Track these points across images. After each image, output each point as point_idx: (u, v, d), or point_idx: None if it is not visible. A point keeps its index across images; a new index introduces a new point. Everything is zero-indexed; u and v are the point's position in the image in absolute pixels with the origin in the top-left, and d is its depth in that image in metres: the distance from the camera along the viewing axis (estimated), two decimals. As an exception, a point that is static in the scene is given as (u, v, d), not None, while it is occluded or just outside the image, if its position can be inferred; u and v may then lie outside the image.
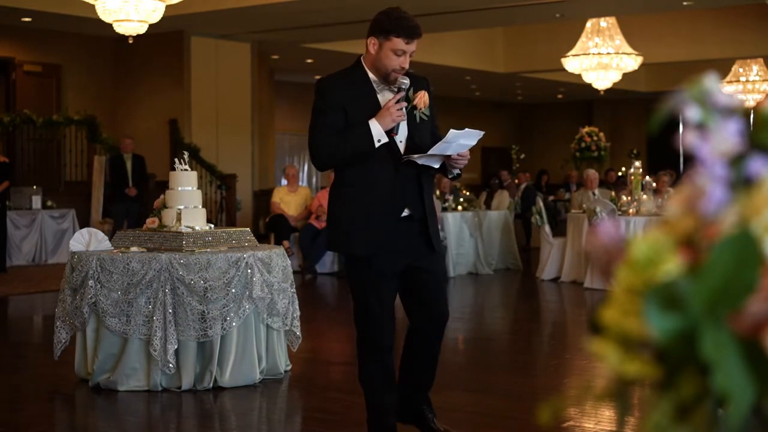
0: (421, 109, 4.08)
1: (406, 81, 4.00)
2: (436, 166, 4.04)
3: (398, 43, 3.94)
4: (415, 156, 3.96)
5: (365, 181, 3.99)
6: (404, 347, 4.28)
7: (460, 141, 3.92)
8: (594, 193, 12.68)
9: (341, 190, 4.07)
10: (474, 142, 3.99)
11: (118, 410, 5.34)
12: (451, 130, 3.86)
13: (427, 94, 4.10)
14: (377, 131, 3.91)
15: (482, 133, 4.00)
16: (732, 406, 0.90)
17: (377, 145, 3.92)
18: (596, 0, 14.29)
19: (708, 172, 0.98)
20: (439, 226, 12.02)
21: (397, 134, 3.98)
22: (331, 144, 3.95)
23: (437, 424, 4.31)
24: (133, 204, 13.71)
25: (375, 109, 3.97)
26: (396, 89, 4.00)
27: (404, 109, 3.98)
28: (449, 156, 3.98)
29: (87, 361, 5.79)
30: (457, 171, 4.08)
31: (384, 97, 4.03)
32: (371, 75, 4.05)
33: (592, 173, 13.40)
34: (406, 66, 3.99)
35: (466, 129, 3.91)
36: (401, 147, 4.02)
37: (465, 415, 5.04)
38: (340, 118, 3.97)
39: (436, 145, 3.92)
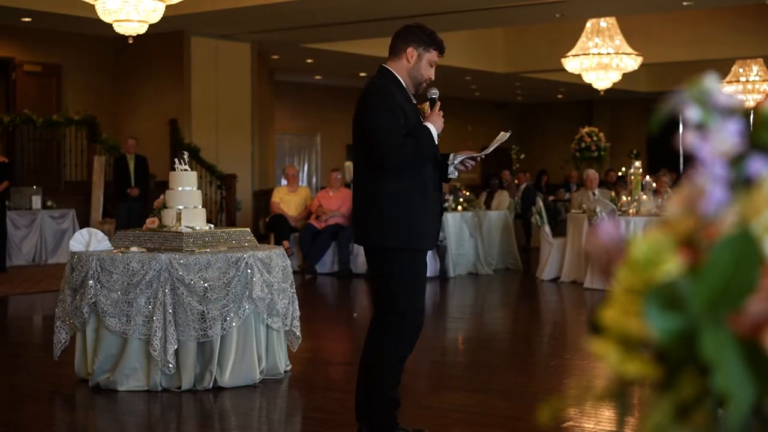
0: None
1: (436, 90, 4.39)
2: (467, 168, 4.47)
3: (434, 55, 4.33)
4: (481, 154, 4.41)
5: (421, 180, 4.23)
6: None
7: (492, 145, 4.40)
8: (594, 193, 12.68)
9: (399, 187, 4.20)
10: (496, 146, 4.43)
11: (118, 410, 5.34)
12: (502, 132, 4.39)
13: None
14: (435, 134, 4.24)
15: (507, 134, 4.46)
16: (732, 406, 0.90)
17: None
18: (596, 0, 14.29)
19: (708, 172, 0.98)
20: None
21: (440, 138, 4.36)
22: (408, 144, 4.16)
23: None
24: (136, 204, 13.72)
25: (417, 114, 4.30)
26: (429, 98, 4.37)
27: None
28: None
29: (87, 361, 5.79)
30: (456, 173, 4.42)
31: (414, 103, 4.38)
32: (404, 83, 4.32)
33: (592, 173, 13.40)
34: (433, 77, 4.36)
35: (501, 132, 4.42)
36: None
37: (465, 415, 5.04)
38: (402, 122, 4.19)
39: (493, 144, 4.39)
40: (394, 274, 4.24)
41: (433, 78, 4.32)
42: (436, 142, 4.23)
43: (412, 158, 4.18)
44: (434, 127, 4.22)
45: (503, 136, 4.42)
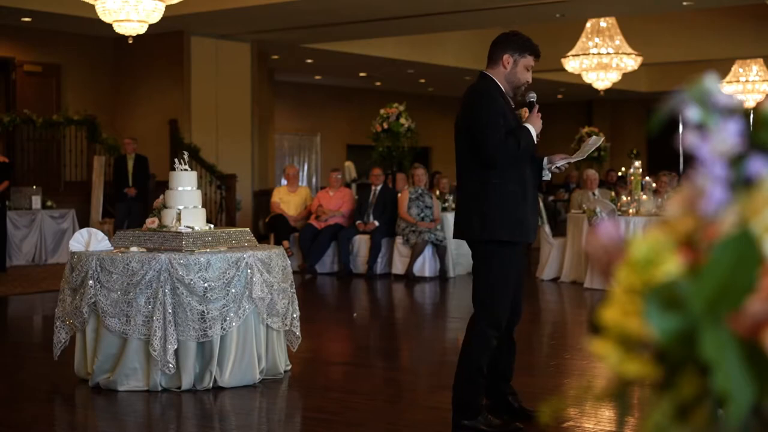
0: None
1: (534, 94, 4.71)
2: (562, 169, 4.80)
3: (530, 60, 4.64)
4: (574, 156, 4.73)
5: (521, 179, 4.56)
6: None
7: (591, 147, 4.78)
8: (594, 194, 12.67)
9: (504, 184, 4.52)
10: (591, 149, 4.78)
11: (118, 410, 5.34)
12: (593, 137, 4.81)
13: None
14: (534, 134, 4.57)
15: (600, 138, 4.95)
16: (732, 406, 0.90)
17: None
18: (596, 0, 14.29)
19: (708, 172, 0.98)
20: (439, 226, 12.03)
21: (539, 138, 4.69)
22: (510, 145, 4.47)
23: (523, 406, 4.84)
24: (135, 204, 13.72)
25: (515, 116, 4.64)
26: (528, 101, 4.70)
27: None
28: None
29: (87, 361, 5.79)
30: (549, 174, 4.76)
31: (511, 106, 4.71)
32: (502, 88, 4.65)
33: (592, 173, 13.39)
34: (530, 81, 4.69)
35: (594, 136, 4.79)
36: None
37: (465, 415, 5.03)
38: (502, 121, 4.52)
39: (584, 147, 4.74)
40: (495, 266, 4.57)
41: (530, 81, 4.65)
42: (535, 143, 4.56)
43: (513, 157, 4.49)
44: (533, 128, 4.54)
45: (596, 140, 4.73)
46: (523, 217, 4.55)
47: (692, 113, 1.00)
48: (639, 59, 16.53)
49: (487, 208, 4.52)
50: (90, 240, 6.02)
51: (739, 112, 1.00)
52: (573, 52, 16.54)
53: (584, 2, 14.21)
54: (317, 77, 22.20)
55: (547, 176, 4.74)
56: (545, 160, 4.73)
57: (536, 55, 4.64)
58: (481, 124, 4.48)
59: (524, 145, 4.49)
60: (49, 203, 14.10)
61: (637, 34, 17.76)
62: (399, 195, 12.58)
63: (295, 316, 6.03)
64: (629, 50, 16.40)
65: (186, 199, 6.16)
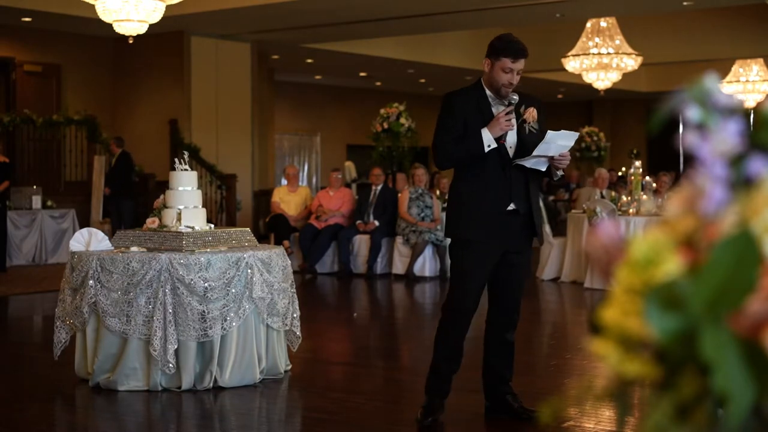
0: (530, 122, 4.73)
1: (516, 97, 4.72)
2: (543, 168, 4.69)
3: (506, 62, 4.67)
4: (522, 159, 4.64)
5: (480, 179, 4.68)
6: (483, 339, 4.95)
7: (559, 142, 4.58)
8: (602, 193, 12.64)
9: (461, 185, 4.77)
10: (572, 143, 4.65)
11: (118, 410, 5.34)
12: (549, 131, 4.58)
13: (535, 110, 4.75)
14: (487, 138, 4.62)
15: (577, 134, 4.72)
16: (732, 406, 0.90)
17: (487, 149, 4.63)
18: (596, 0, 14.29)
19: (708, 172, 0.98)
20: (439, 226, 12.03)
21: (505, 141, 4.67)
22: (449, 148, 4.68)
23: (523, 407, 4.85)
24: (121, 202, 13.75)
25: (489, 119, 4.68)
26: (506, 103, 4.70)
27: (514, 121, 4.66)
28: (552, 157, 4.62)
29: (87, 361, 5.79)
30: (560, 172, 4.72)
31: (497, 110, 4.73)
32: (488, 91, 4.77)
33: (604, 172, 13.35)
34: (514, 82, 4.69)
35: (562, 130, 4.61)
36: (510, 152, 4.72)
37: (465, 415, 5.04)
38: (460, 126, 4.67)
39: (538, 146, 4.59)
40: (453, 261, 4.82)
41: (510, 83, 4.67)
42: (489, 146, 4.60)
43: (452, 159, 4.71)
44: (488, 132, 4.60)
45: (557, 135, 4.64)
46: (478, 217, 4.66)
47: (692, 113, 1.00)
48: (639, 59, 16.53)
49: (449, 207, 4.84)
50: (90, 240, 6.02)
51: (739, 112, 1.00)
52: (573, 52, 16.54)
53: (584, 2, 14.21)
54: (317, 77, 22.20)
55: (555, 176, 4.75)
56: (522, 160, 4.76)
57: (512, 56, 4.67)
58: (436, 124, 4.75)
59: (468, 149, 4.61)
60: (49, 203, 14.10)
61: (637, 34, 17.76)
62: (399, 195, 12.58)
63: (295, 316, 6.03)
64: (629, 50, 16.41)
65: (186, 199, 6.16)
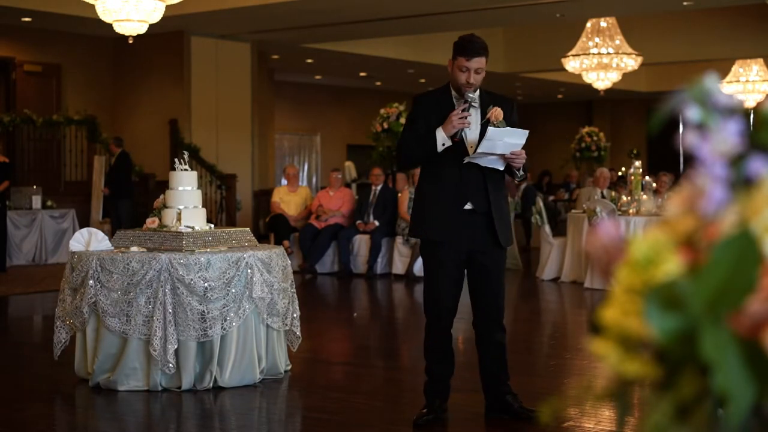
0: (494, 122, 4.67)
1: (472, 95, 4.72)
2: (500, 167, 4.68)
3: (461, 61, 4.69)
4: (473, 157, 4.61)
5: (437, 178, 4.73)
6: (475, 343, 4.92)
7: (506, 139, 4.57)
8: (603, 193, 12.64)
9: (421, 185, 4.83)
10: (521, 141, 4.63)
11: (118, 410, 5.34)
12: (490, 128, 4.56)
13: (499, 110, 4.70)
14: (441, 137, 4.62)
15: (526, 132, 4.67)
16: (732, 406, 0.90)
17: (440, 148, 4.63)
18: (596, 0, 14.29)
19: (708, 172, 0.98)
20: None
21: (458, 139, 4.65)
22: (408, 147, 4.76)
23: (523, 407, 4.82)
24: (120, 202, 13.73)
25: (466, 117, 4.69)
26: (464, 101, 4.70)
27: (472, 119, 4.67)
28: (505, 156, 4.62)
29: (87, 361, 5.79)
30: (521, 172, 4.73)
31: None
32: (453, 92, 4.80)
33: (605, 171, 13.34)
34: (472, 81, 4.68)
35: (508, 127, 4.61)
36: (471, 152, 4.67)
37: (465, 415, 5.04)
38: (423, 127, 4.71)
39: (481, 143, 4.57)
40: (423, 263, 4.89)
41: (468, 82, 4.67)
42: (443, 144, 4.60)
43: (414, 158, 4.81)
44: (443, 129, 4.61)
45: (514, 131, 4.64)
46: (434, 217, 4.70)
47: (692, 113, 1.00)
48: (639, 59, 16.53)
49: (413, 207, 4.92)
50: (90, 240, 6.02)
51: (739, 112, 1.00)
52: (573, 52, 16.54)
53: (584, 2, 14.21)
54: (317, 77, 22.20)
55: (516, 175, 4.74)
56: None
57: (466, 55, 4.66)
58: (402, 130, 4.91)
59: (426, 147, 4.64)
60: (49, 203, 14.10)
61: (637, 34, 17.76)
62: (399, 195, 12.58)
63: (295, 315, 6.03)
64: (629, 50, 16.41)
65: (186, 199, 6.16)
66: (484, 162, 4.63)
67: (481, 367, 4.93)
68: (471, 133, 4.69)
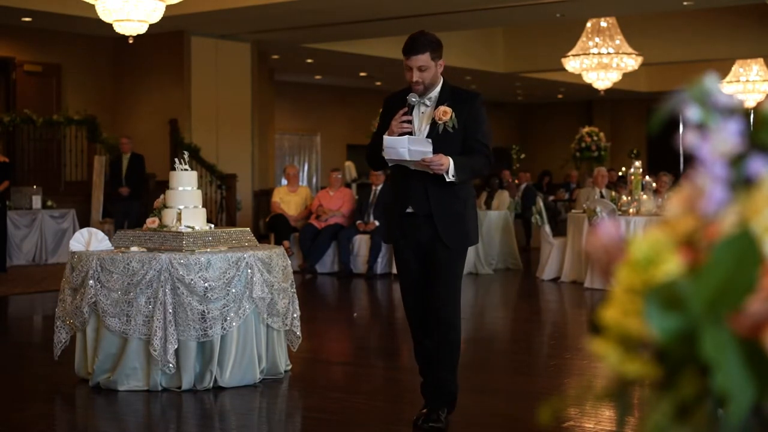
0: (442, 122, 4.55)
1: (415, 98, 4.60)
2: (431, 171, 4.52)
3: (404, 60, 4.58)
4: (385, 156, 4.55)
5: (392, 181, 4.82)
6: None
7: (411, 147, 4.46)
8: (602, 192, 12.64)
9: (388, 188, 4.75)
10: (427, 149, 4.44)
11: (118, 410, 5.34)
12: (385, 137, 4.52)
13: (445, 109, 4.55)
14: (387, 142, 4.52)
15: (429, 141, 4.46)
16: (732, 406, 0.90)
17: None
18: (596, 0, 14.29)
19: (708, 172, 0.98)
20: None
21: None
22: (368, 151, 4.79)
23: (433, 426, 4.66)
24: (133, 203, 13.69)
25: (410, 122, 4.60)
26: (407, 104, 4.61)
27: (417, 122, 4.59)
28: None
29: (87, 361, 5.79)
30: (452, 176, 4.50)
31: (419, 110, 4.65)
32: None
33: (603, 171, 13.35)
34: (416, 79, 4.54)
35: (409, 137, 4.49)
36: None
37: (465, 415, 5.04)
38: (383, 129, 4.68)
39: (384, 149, 4.51)
40: None
41: (412, 80, 4.54)
42: (391, 148, 4.48)
43: (371, 162, 4.83)
44: (387, 135, 4.54)
45: (415, 139, 4.49)
46: (392, 219, 4.74)
47: (692, 113, 1.00)
48: (639, 59, 16.53)
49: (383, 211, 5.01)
50: (90, 240, 6.02)
51: (739, 112, 1.00)
52: (573, 52, 16.54)
53: (584, 2, 14.21)
54: (317, 77, 22.20)
55: (447, 177, 4.51)
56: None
57: (405, 54, 4.55)
58: None
59: (375, 153, 4.61)
60: (49, 203, 14.10)
61: (638, 34, 17.76)
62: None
63: (295, 315, 6.03)
64: (629, 50, 16.41)
65: (186, 199, 6.16)
66: (411, 165, 4.52)
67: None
68: (420, 135, 4.57)
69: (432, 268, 4.63)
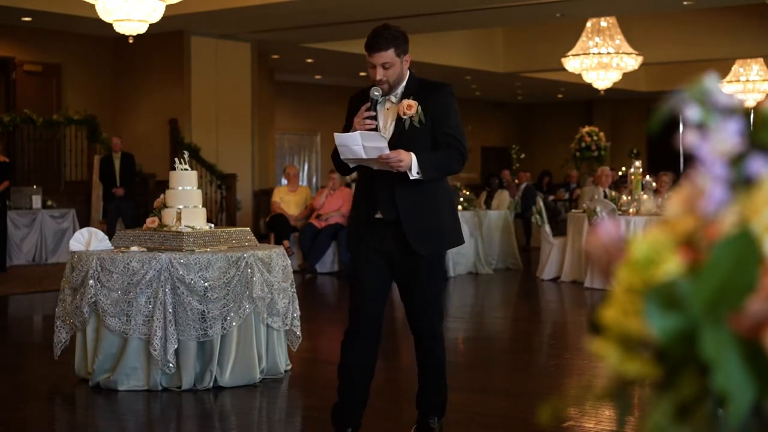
0: (407, 117, 4.20)
1: (378, 93, 4.21)
2: (393, 170, 4.13)
3: (368, 58, 4.22)
4: (343, 158, 4.17)
5: (358, 185, 4.40)
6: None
7: (365, 144, 4.07)
8: (605, 191, 12.63)
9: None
10: (381, 144, 4.07)
11: (118, 410, 5.34)
12: (335, 134, 4.11)
13: (409, 102, 4.20)
14: (338, 140, 4.14)
15: (381, 136, 4.10)
16: (732, 406, 0.90)
17: None
18: (596, 0, 14.29)
19: (708, 171, 0.98)
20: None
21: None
22: (333, 154, 4.28)
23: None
24: (125, 203, 13.68)
25: (375, 118, 4.22)
26: (369, 101, 4.23)
27: (390, 118, 4.23)
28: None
29: (87, 361, 5.79)
30: (416, 173, 4.12)
31: (384, 107, 4.29)
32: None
33: (606, 170, 13.35)
34: (379, 77, 4.18)
35: (360, 131, 4.09)
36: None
37: (465, 415, 5.04)
38: (347, 128, 4.28)
39: (340, 150, 4.13)
40: None
41: (376, 78, 4.18)
42: (344, 147, 4.11)
43: (336, 165, 4.35)
44: (346, 133, 4.16)
45: (368, 134, 4.13)
46: (357, 225, 4.32)
47: (692, 113, 1.00)
48: (639, 59, 16.53)
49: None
50: (90, 239, 6.03)
51: (739, 111, 1.00)
52: (573, 51, 16.54)
53: (584, 2, 14.21)
54: (317, 77, 22.19)
55: (411, 175, 4.14)
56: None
57: (367, 51, 4.20)
58: None
59: (339, 153, 4.16)
60: (49, 203, 14.10)
61: (638, 34, 17.77)
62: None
63: (295, 315, 6.03)
64: (629, 50, 16.41)
65: (186, 199, 6.16)
66: (375, 165, 4.15)
67: (418, 382, 4.54)
68: (386, 133, 4.21)
69: (405, 279, 4.30)
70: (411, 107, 4.19)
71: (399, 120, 4.21)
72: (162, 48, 15.46)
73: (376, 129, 4.15)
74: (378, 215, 4.22)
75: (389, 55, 4.16)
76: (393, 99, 4.26)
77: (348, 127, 4.22)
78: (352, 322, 4.44)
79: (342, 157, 4.13)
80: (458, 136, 4.24)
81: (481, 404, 5.31)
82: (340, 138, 4.08)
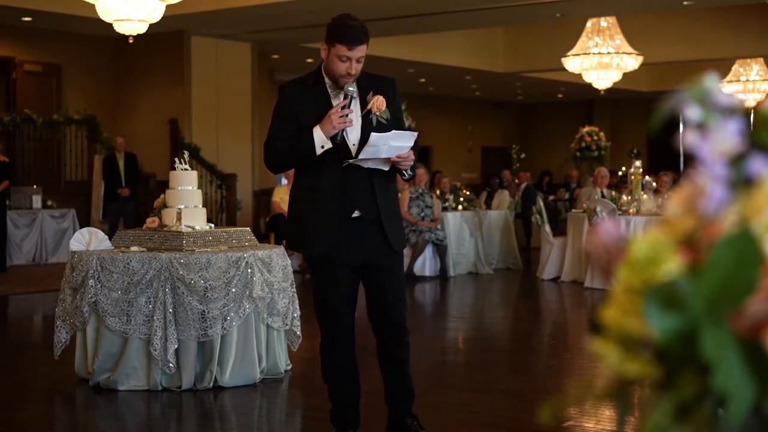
0: (376, 113, 4.11)
1: (352, 88, 4.07)
2: (385, 168, 4.09)
3: (341, 49, 4.02)
4: (356, 160, 4.04)
5: (316, 184, 4.11)
6: (377, 356, 4.40)
7: (392, 143, 3.97)
8: (603, 192, 12.64)
9: (295, 193, 4.23)
10: (410, 143, 4.02)
11: (118, 410, 5.34)
12: (373, 134, 3.95)
13: (381, 98, 4.11)
14: (320, 138, 4.01)
15: (416, 133, 4.07)
16: (732, 406, 0.90)
17: (320, 152, 4.01)
18: (596, 0, 14.29)
19: (708, 171, 0.98)
20: (439, 226, 12.02)
21: (340, 141, 4.03)
22: (279, 149, 4.09)
23: (420, 429, 4.40)
24: (128, 202, 13.67)
25: (325, 114, 4.04)
26: (344, 95, 4.07)
27: (354, 117, 4.07)
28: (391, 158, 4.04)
29: (87, 361, 5.79)
30: (409, 172, 4.13)
31: (337, 102, 4.10)
32: (327, 80, 4.15)
33: (603, 171, 13.35)
34: (353, 71, 4.05)
35: (394, 131, 4.00)
36: (354, 151, 4.09)
37: (465, 415, 5.04)
38: (293, 122, 4.09)
39: (364, 149, 3.99)
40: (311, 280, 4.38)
41: (349, 73, 4.03)
42: (323, 146, 4.00)
43: (286, 163, 4.17)
44: (322, 130, 3.99)
45: (402, 134, 4.05)
46: (318, 228, 4.11)
47: (692, 113, 1.00)
48: (639, 59, 16.54)
49: (292, 218, 4.28)
50: (90, 239, 6.03)
51: (739, 111, 1.00)
52: (573, 51, 16.54)
53: (584, 2, 14.21)
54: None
55: (404, 174, 4.13)
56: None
57: (347, 44, 4.00)
58: (269, 126, 4.21)
59: (296, 150, 4.03)
60: (49, 203, 14.10)
61: (638, 34, 17.76)
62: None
63: (295, 315, 6.03)
64: (630, 50, 16.41)
65: (186, 199, 6.16)
66: (367, 163, 4.04)
67: (385, 384, 4.43)
68: (353, 131, 4.07)
69: (378, 278, 4.22)
70: (383, 104, 4.11)
71: (366, 117, 4.11)
72: (162, 48, 15.46)
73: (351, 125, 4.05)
74: (356, 213, 4.11)
75: (365, 49, 4.07)
76: (354, 95, 4.13)
77: (291, 121, 4.07)
78: (328, 334, 4.33)
79: (362, 156, 3.99)
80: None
81: (481, 404, 5.30)
82: (379, 138, 3.94)
